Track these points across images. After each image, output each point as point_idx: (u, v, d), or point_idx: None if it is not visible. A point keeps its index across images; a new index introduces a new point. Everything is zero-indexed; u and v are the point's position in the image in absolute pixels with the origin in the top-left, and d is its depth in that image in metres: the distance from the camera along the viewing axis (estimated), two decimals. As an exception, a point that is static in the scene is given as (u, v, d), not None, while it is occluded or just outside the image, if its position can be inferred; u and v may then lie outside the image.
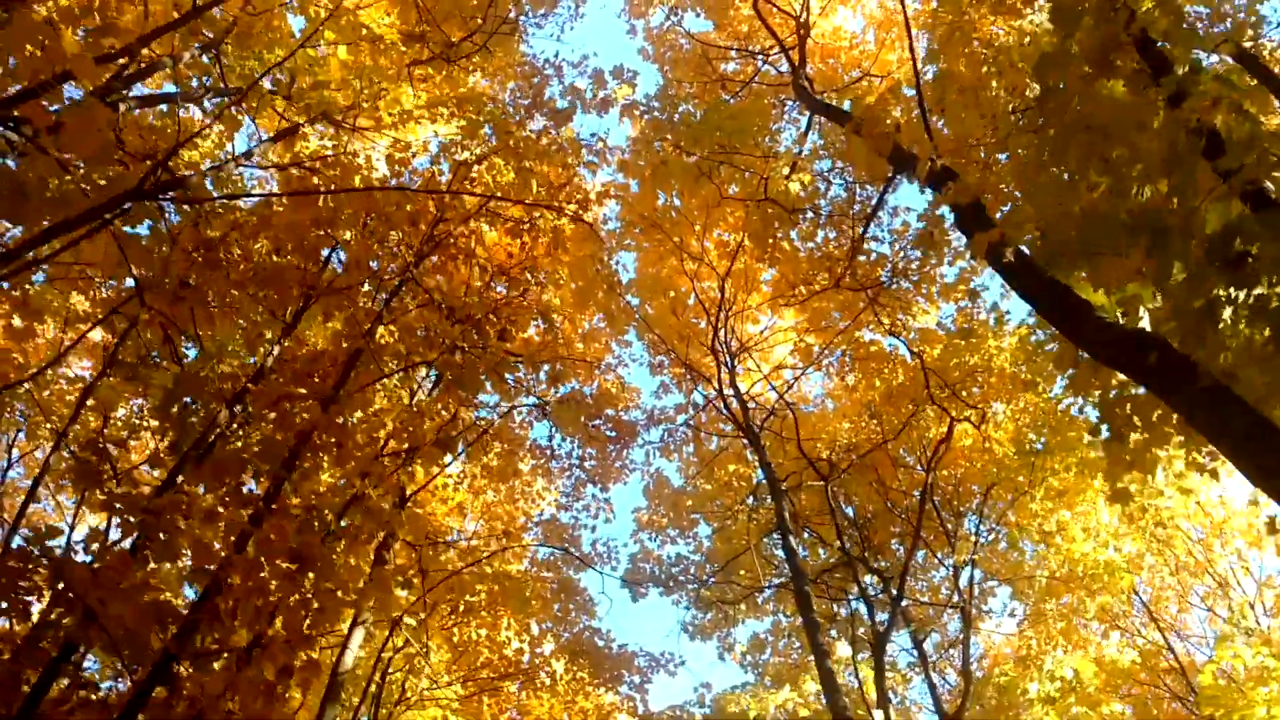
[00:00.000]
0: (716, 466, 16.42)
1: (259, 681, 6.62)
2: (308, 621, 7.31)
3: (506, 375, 14.40)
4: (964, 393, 14.19)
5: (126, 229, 7.81)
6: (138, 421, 11.62)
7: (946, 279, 14.65)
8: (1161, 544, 16.39)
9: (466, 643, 16.71)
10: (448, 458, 14.30)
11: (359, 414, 9.02)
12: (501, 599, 16.23)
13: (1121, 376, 8.09)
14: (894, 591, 11.68)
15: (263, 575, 7.05)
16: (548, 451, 15.80)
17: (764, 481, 16.48)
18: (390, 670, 15.64)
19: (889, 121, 8.47)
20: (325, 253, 10.86)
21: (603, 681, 16.14)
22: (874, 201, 11.41)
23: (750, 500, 16.03)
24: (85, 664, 7.15)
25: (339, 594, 7.99)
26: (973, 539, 14.70)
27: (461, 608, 16.11)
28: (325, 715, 9.32)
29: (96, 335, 12.46)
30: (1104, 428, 8.36)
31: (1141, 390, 8.15)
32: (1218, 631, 18.29)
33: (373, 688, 13.94)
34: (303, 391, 8.60)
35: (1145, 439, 7.83)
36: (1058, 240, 5.79)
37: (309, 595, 7.51)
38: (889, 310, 13.67)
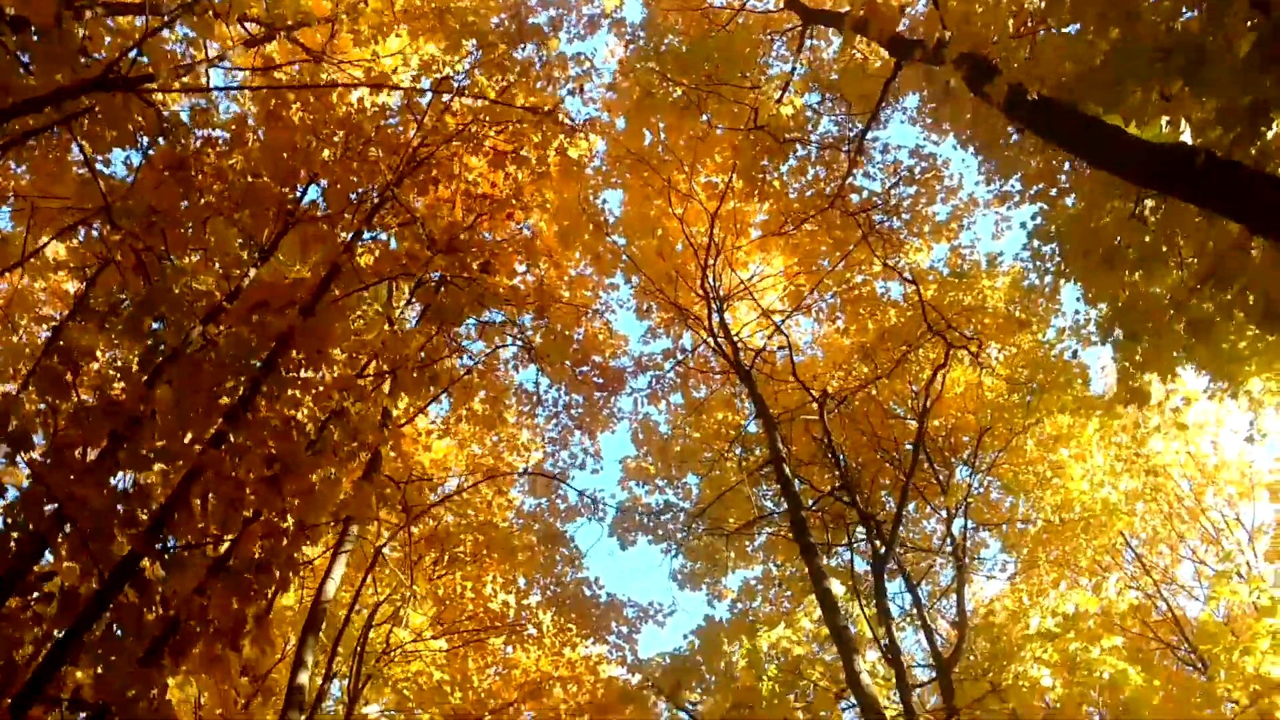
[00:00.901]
0: (705, 414, 16.14)
1: (235, 579, 6.30)
2: (288, 535, 7.02)
3: (490, 311, 14.10)
4: (958, 332, 13.95)
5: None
6: (114, 373, 11.25)
7: (939, 217, 14.43)
8: (1153, 491, 16.23)
9: (451, 595, 16.42)
10: (433, 402, 14.01)
11: (339, 325, 8.68)
12: (487, 550, 15.95)
13: (1133, 276, 7.86)
14: (887, 527, 11.42)
15: (238, 475, 6.71)
16: (533, 397, 15.49)
17: (752, 432, 16.26)
18: (375, 622, 15.34)
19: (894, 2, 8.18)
20: (302, 190, 10.54)
21: (590, 632, 15.86)
22: (869, 118, 11.10)
23: (739, 451, 15.77)
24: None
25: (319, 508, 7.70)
26: (966, 484, 14.49)
27: (446, 558, 15.82)
28: (305, 643, 9.01)
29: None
30: (1116, 332, 8.14)
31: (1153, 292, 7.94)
32: (1208, 584, 18.19)
33: (352, 630, 13.62)
34: (280, 300, 8.26)
35: (1158, 342, 7.60)
36: (1080, 79, 5.49)
37: (288, 507, 7.18)
38: (882, 246, 13.40)
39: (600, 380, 15.55)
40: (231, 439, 7.00)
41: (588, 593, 15.91)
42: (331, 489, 8.03)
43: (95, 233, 8.83)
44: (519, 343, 14.49)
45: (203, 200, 9.21)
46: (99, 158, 7.93)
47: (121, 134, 8.04)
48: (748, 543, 16.06)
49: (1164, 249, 7.46)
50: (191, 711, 12.91)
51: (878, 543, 10.13)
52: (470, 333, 15.75)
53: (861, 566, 13.65)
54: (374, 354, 9.84)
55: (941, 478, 15.21)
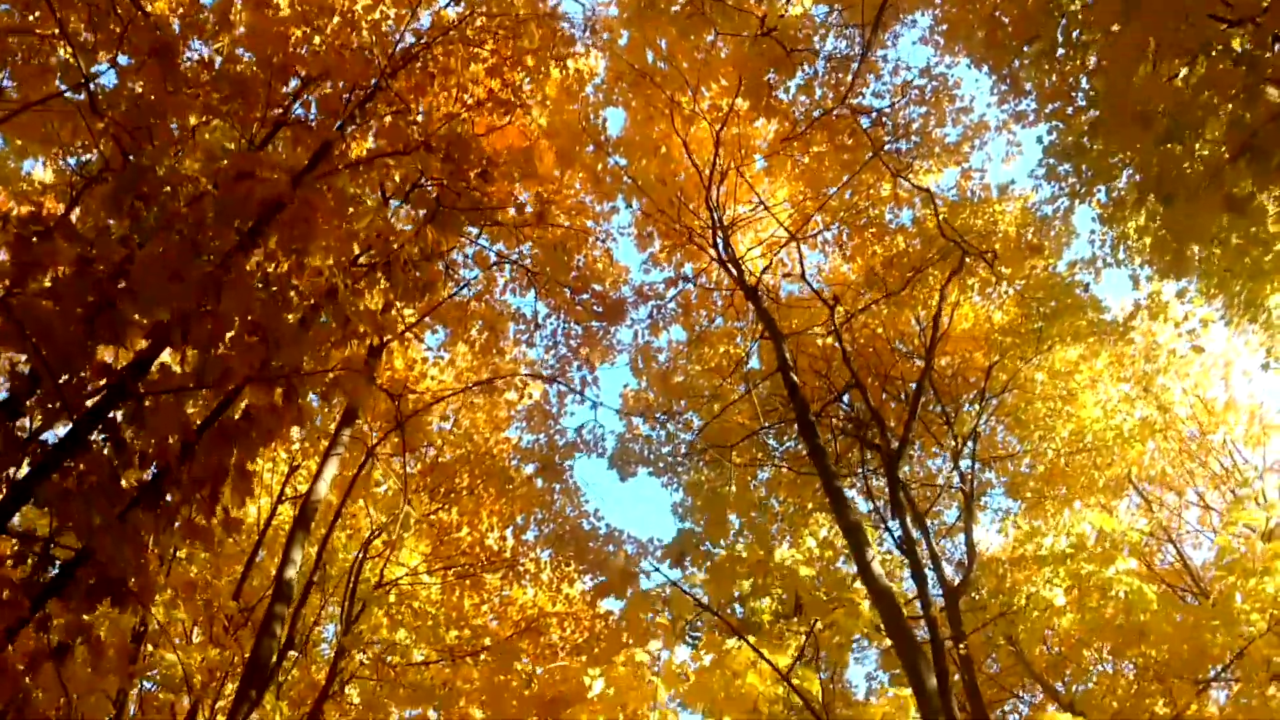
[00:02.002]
0: (707, 347, 15.78)
1: (218, 431, 5.93)
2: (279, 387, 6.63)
3: (487, 244, 13.72)
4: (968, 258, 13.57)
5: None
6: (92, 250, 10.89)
7: (949, 140, 14.04)
8: (1164, 427, 15.90)
9: (447, 531, 16.10)
10: (429, 314, 13.62)
11: (330, 198, 8.28)
12: (484, 484, 15.61)
13: (1167, 145, 7.48)
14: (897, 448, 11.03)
15: (220, 335, 6.32)
16: (531, 324, 15.10)
17: (755, 368, 15.90)
18: (368, 555, 15.01)
19: None
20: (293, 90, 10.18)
21: (589, 568, 15.53)
22: (875, 21, 10.69)
23: (742, 388, 15.40)
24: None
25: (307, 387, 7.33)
26: (974, 414, 14.14)
27: (442, 491, 15.49)
28: (294, 540, 8.67)
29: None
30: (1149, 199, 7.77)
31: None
32: (1218, 523, 17.91)
33: (343, 558, 13.30)
34: (267, 170, 7.85)
35: (1195, 208, 7.24)
36: None
37: (274, 378, 6.79)
38: (893, 163, 13.01)
39: (600, 309, 15.18)
40: (209, 306, 6.60)
41: (586, 526, 15.58)
42: (321, 363, 7.67)
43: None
44: (517, 267, 14.12)
45: (189, 90, 8.80)
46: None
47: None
48: (750, 480, 15.72)
49: (1199, 113, 7.10)
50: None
51: (891, 440, 9.79)
52: (467, 261, 15.44)
53: (865, 511, 13.35)
54: (367, 245, 9.46)
55: (949, 412, 14.86)
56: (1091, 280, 14.18)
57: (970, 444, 13.84)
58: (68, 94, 8.15)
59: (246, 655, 11.89)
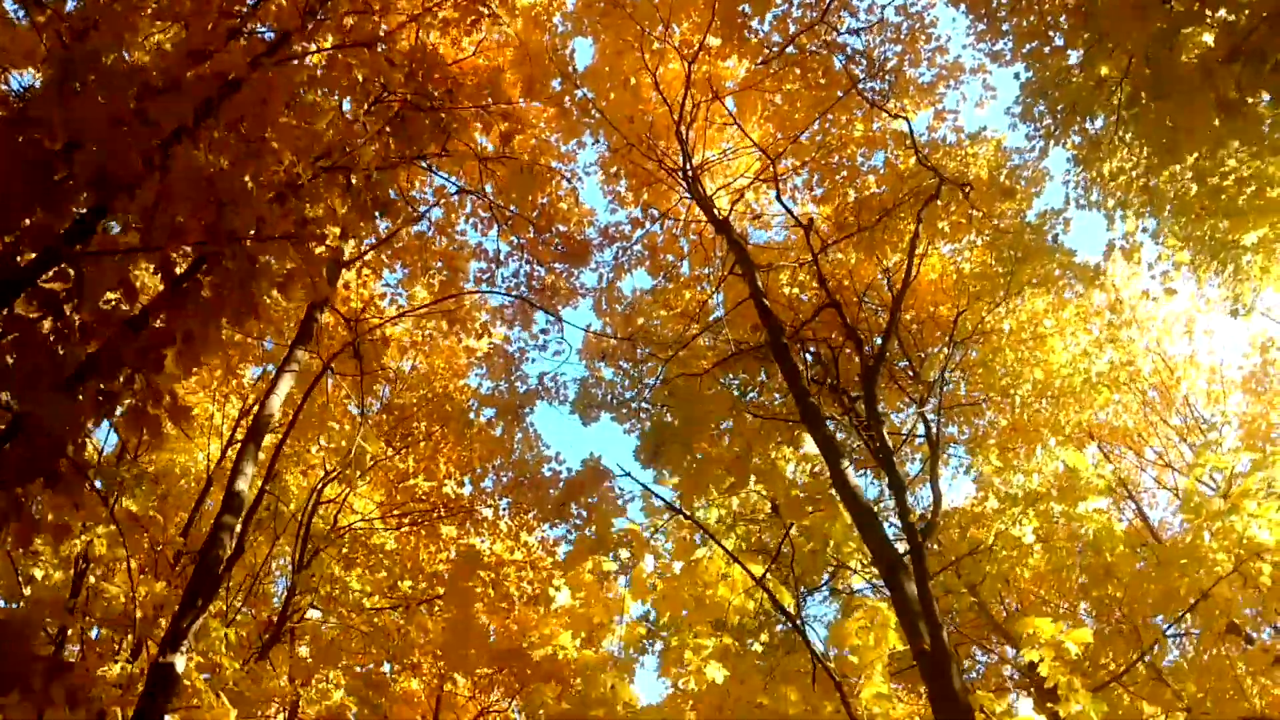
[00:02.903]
0: (672, 293, 15.48)
1: (174, 293, 5.52)
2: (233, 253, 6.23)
3: (448, 178, 13.28)
4: (939, 203, 13.36)
5: None
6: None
7: (923, 80, 13.84)
8: (1129, 380, 15.89)
9: (403, 475, 15.71)
10: (391, 238, 13.18)
11: (287, 88, 7.85)
12: (441, 429, 15.23)
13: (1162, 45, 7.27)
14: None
15: (169, 198, 5.90)
16: (493, 261, 14.69)
17: (721, 318, 15.62)
18: (321, 500, 14.58)
19: None
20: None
21: (549, 514, 15.21)
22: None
23: (706, 340, 15.11)
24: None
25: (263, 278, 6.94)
26: (941, 356, 13.96)
27: (399, 434, 15.09)
28: (245, 453, 8.26)
29: None
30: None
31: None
32: (1174, 489, 17.99)
33: (287, 489, 12.86)
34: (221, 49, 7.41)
35: (1190, 105, 7.03)
36: None
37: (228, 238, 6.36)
38: (869, 97, 12.76)
39: (564, 250, 14.83)
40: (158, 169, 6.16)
41: (547, 472, 15.26)
42: (278, 254, 7.27)
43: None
44: (479, 200, 13.72)
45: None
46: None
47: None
48: (713, 429, 15.44)
49: (1196, 6, 6.89)
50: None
51: (867, 354, 9.56)
52: (426, 198, 14.99)
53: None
54: (327, 150, 9.03)
55: (915, 362, 14.69)
56: (1061, 231, 14.06)
57: (937, 389, 13.68)
58: None
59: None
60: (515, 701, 15.67)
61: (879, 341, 10.73)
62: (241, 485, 8.06)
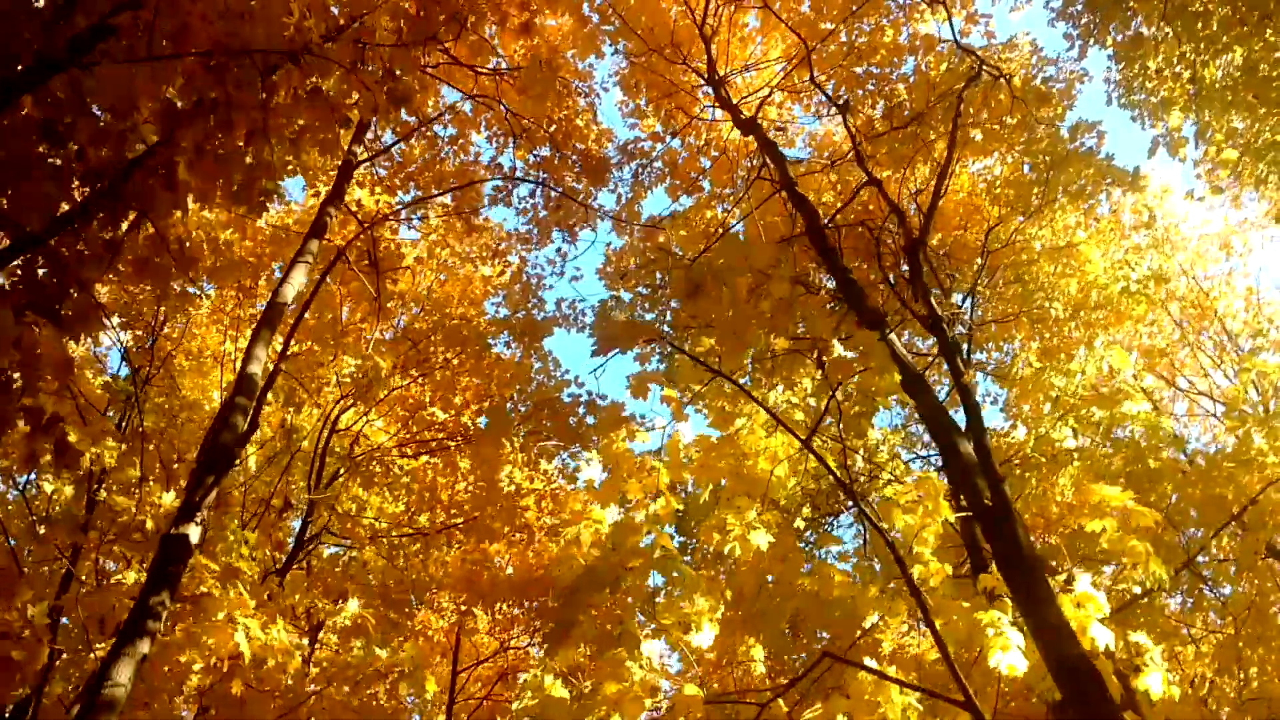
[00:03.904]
0: (692, 214, 15.05)
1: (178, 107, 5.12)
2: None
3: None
4: (971, 109, 12.88)
5: None
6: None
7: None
8: (1161, 303, 15.40)
9: (420, 404, 15.35)
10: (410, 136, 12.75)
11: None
12: (459, 354, 14.83)
13: None
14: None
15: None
16: (509, 182, 14.27)
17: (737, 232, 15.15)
18: (336, 429, 14.25)
19: None
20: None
21: (569, 442, 14.85)
22: None
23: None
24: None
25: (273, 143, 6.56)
26: (973, 274, 13.54)
27: (416, 362, 14.68)
28: (259, 338, 7.90)
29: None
30: None
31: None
32: (1211, 412, 17.54)
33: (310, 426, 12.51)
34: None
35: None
36: None
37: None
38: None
39: (582, 169, 14.39)
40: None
41: (567, 398, 14.86)
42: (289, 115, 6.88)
43: None
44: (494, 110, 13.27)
45: None
46: None
47: None
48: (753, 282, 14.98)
49: None
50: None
51: (913, 231, 9.14)
52: (442, 118, 14.53)
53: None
54: (338, 25, 8.62)
55: (945, 281, 14.25)
56: (1095, 145, 13.56)
57: (969, 303, 13.29)
58: None
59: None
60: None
61: (944, 170, 10.12)
62: (254, 369, 7.71)
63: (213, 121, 5.30)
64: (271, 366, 8.47)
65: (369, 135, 12.40)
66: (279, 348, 9.39)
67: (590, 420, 14.05)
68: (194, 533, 6.29)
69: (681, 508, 6.88)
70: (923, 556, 6.37)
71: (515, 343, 14.99)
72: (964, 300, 14.59)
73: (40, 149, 5.28)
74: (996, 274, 14.94)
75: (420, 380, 15.16)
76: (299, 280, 8.74)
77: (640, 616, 5.63)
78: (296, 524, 14.71)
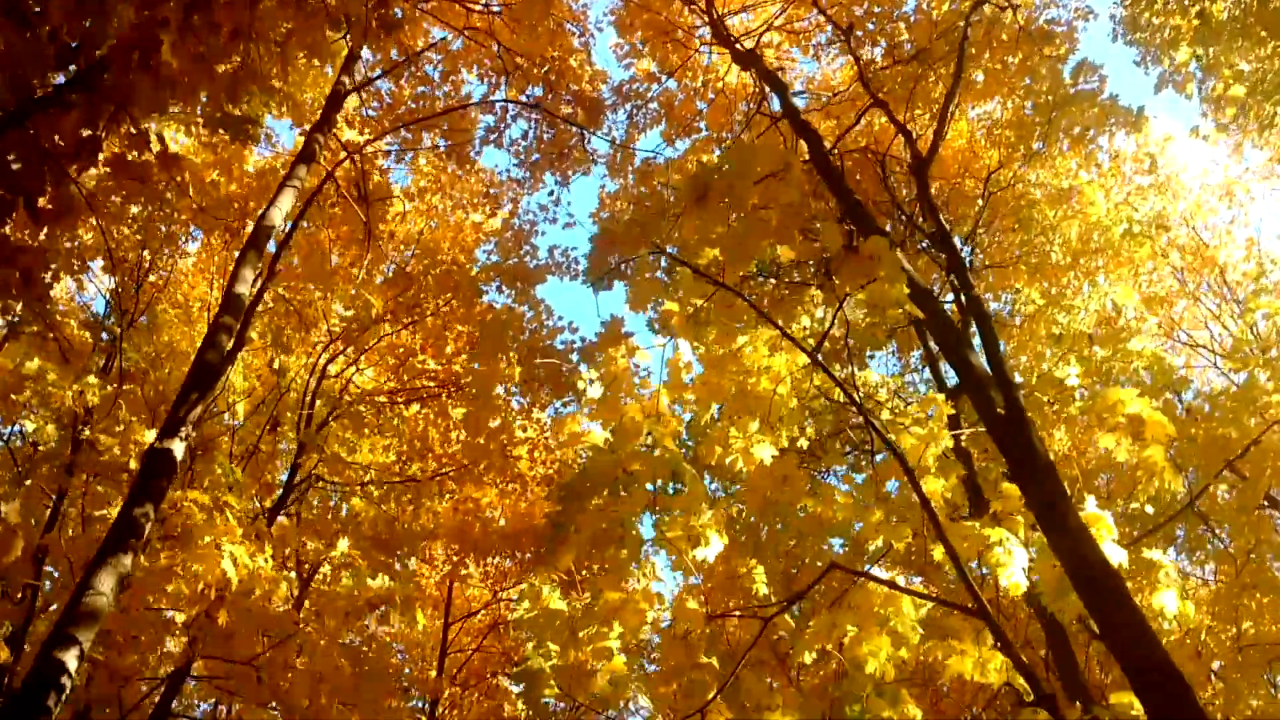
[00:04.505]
0: (687, 156, 14.76)
1: None
2: None
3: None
4: (974, 49, 12.60)
5: None
6: None
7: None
8: (1161, 254, 15.22)
9: (411, 352, 15.11)
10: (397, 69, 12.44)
11: None
12: (452, 298, 14.56)
13: None
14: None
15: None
16: (500, 121, 13.99)
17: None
18: (327, 375, 14.02)
19: None
20: None
21: (561, 390, 14.66)
22: None
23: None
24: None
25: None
26: (974, 216, 13.32)
27: (407, 308, 14.41)
28: (245, 259, 7.66)
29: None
30: None
31: None
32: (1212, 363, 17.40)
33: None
34: None
35: None
36: None
37: None
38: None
39: (575, 111, 14.09)
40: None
41: (560, 344, 14.65)
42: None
43: None
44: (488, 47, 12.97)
45: None
46: None
47: None
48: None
49: None
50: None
51: (920, 151, 8.91)
52: (431, 56, 14.20)
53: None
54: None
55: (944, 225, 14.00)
56: (1097, 86, 13.31)
57: (968, 249, 13.09)
58: None
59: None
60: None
61: (951, 91, 9.80)
62: (240, 289, 7.47)
63: (196, 20, 5.03)
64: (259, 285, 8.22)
65: (359, 76, 12.11)
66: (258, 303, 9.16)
67: (584, 368, 13.83)
68: (178, 448, 6.08)
69: (682, 429, 6.67)
70: (927, 474, 6.20)
71: (507, 288, 14.72)
72: (962, 246, 14.39)
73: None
74: (995, 221, 14.73)
75: (411, 327, 14.92)
76: (286, 204, 8.49)
77: (641, 525, 5.44)
78: (284, 478, 14.53)
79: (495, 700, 17.01)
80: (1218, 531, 11.57)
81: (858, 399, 5.80)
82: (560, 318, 17.78)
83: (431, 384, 15.17)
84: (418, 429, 15.51)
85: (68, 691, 4.83)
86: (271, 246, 8.86)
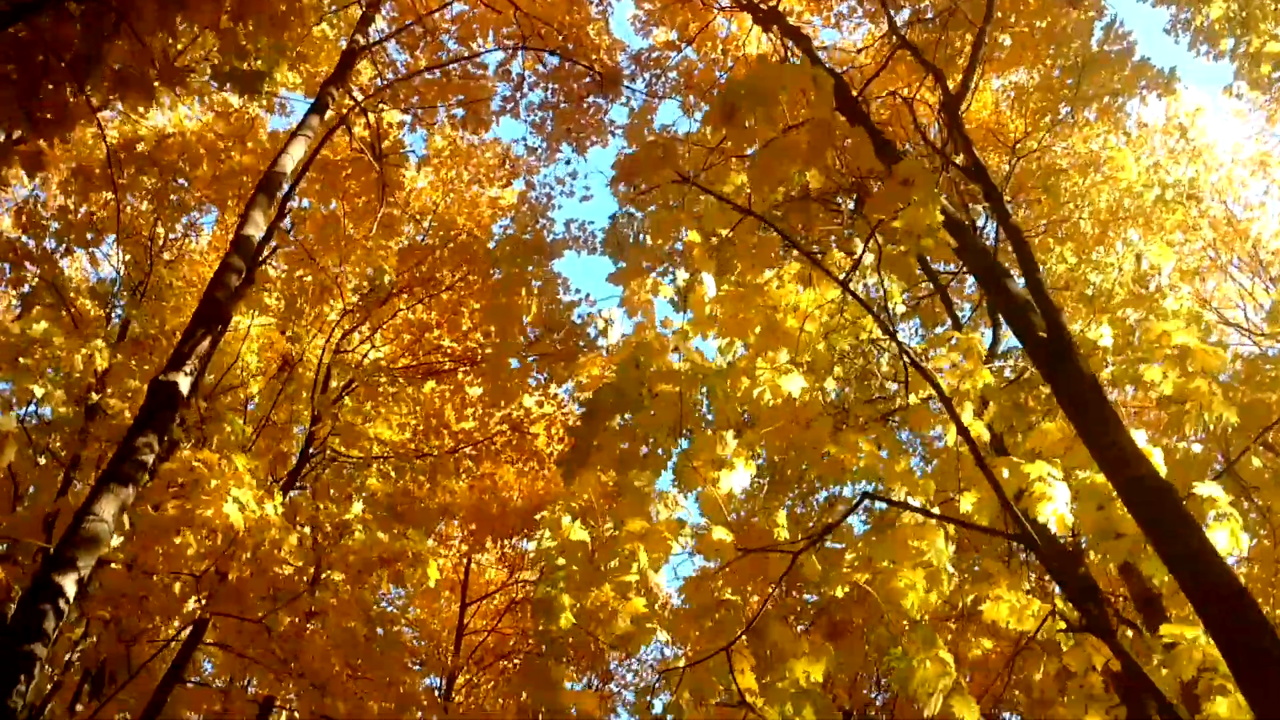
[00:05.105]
0: (706, 123, 14.48)
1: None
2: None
3: None
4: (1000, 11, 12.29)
5: None
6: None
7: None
8: (1192, 225, 14.85)
9: (426, 326, 14.92)
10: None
11: None
12: (467, 270, 14.35)
13: None
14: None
15: None
16: (516, 90, 13.76)
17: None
18: (341, 349, 13.85)
19: None
20: None
21: (579, 366, 14.39)
22: None
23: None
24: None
25: None
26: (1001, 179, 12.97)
27: (422, 279, 14.21)
28: (255, 201, 7.47)
29: None
30: None
31: None
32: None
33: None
34: None
35: None
36: None
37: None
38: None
39: (593, 78, 13.85)
40: None
41: (578, 318, 14.42)
42: None
43: None
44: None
45: None
46: None
47: None
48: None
49: None
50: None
51: (949, 88, 8.63)
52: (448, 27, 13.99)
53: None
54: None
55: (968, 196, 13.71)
56: (1125, 48, 12.99)
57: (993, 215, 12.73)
58: None
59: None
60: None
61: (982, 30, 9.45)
62: (250, 230, 7.28)
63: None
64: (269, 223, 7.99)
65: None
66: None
67: (601, 341, 13.59)
68: (184, 382, 5.86)
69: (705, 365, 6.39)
70: (965, 402, 5.94)
71: (523, 259, 14.47)
72: (987, 219, 14.08)
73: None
74: (1022, 193, 14.41)
75: (426, 302, 14.73)
76: (298, 153, 8.30)
77: (661, 450, 5.17)
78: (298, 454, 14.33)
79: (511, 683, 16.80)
80: (1256, 500, 11.19)
81: (890, 327, 5.53)
82: (578, 290, 17.55)
83: (446, 360, 14.98)
84: (434, 406, 15.32)
85: (66, 616, 4.62)
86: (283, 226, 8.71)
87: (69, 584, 4.66)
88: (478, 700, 16.91)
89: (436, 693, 15.37)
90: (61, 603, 4.58)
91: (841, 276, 6.05)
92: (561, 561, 5.12)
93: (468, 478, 15.59)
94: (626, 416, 5.01)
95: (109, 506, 4.99)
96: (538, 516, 7.44)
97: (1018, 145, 13.58)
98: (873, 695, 14.65)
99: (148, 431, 5.44)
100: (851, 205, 11.23)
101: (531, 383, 15.10)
